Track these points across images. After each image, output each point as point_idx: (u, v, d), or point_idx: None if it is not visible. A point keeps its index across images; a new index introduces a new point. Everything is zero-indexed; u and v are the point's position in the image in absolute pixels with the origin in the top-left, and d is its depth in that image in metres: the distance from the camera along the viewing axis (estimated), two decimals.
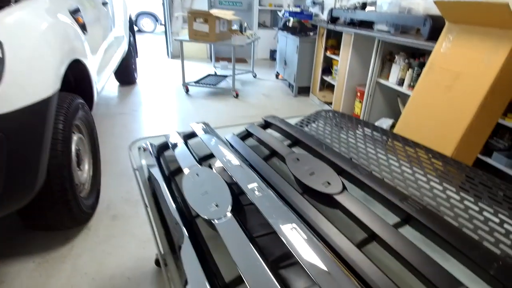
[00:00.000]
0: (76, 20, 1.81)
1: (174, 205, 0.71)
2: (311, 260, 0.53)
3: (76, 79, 1.80)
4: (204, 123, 1.16)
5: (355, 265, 0.55)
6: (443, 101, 1.59)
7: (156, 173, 0.90)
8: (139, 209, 1.78)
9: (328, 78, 3.83)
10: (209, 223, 0.63)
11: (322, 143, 0.97)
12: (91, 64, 1.89)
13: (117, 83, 4.03)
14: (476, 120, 1.43)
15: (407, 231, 0.67)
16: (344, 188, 0.76)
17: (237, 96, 3.90)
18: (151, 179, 0.93)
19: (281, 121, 1.18)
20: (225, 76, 4.29)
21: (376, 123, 2.68)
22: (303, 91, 4.21)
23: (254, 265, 0.53)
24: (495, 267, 0.55)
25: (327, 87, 3.99)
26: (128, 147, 1.08)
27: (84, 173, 1.68)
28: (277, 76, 5.00)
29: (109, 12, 2.75)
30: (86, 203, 1.58)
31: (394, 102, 2.94)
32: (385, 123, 2.71)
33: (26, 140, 1.14)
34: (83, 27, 1.89)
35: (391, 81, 2.66)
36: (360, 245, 0.64)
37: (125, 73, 3.85)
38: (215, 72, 4.62)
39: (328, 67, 3.87)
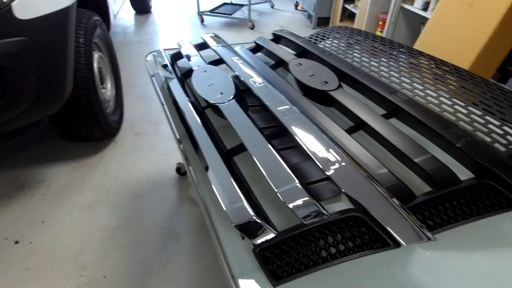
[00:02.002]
0: None
1: (187, 99, 0.81)
2: (303, 136, 0.61)
3: None
4: (215, 34, 1.20)
5: (344, 145, 0.62)
6: (463, 18, 1.53)
7: (170, 75, 0.98)
8: (160, 127, 1.92)
9: (350, 7, 3.61)
10: (216, 108, 0.73)
11: (326, 50, 1.01)
12: None
13: (133, 12, 3.98)
14: (495, 37, 1.39)
15: (394, 122, 0.74)
16: (340, 86, 0.82)
17: (253, 27, 3.79)
18: (166, 82, 1.02)
19: (290, 34, 1.20)
20: (241, 5, 4.11)
21: None
22: (323, 22, 4.01)
23: (254, 135, 0.62)
24: (470, 148, 0.61)
25: (348, 17, 3.78)
26: (144, 58, 1.16)
27: (107, 91, 1.80)
28: (296, 6, 4.73)
29: None
30: (112, 119, 1.73)
31: (417, 31, 2.79)
32: None
33: (51, 47, 1.22)
34: None
35: (416, 6, 2.51)
36: (350, 131, 0.73)
37: (140, 1, 3.77)
38: (231, 1, 4.42)
39: None
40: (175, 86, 0.85)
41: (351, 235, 0.51)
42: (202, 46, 1.14)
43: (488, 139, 0.68)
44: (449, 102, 0.78)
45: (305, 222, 0.50)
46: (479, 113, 0.74)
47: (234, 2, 4.32)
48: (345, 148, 0.63)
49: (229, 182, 0.53)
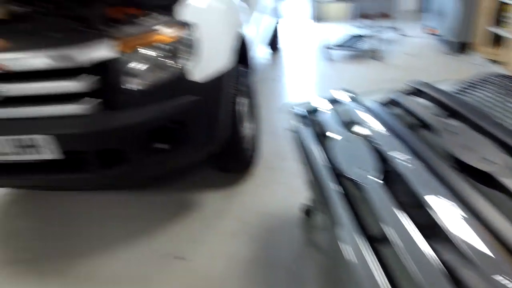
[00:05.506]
0: None
1: (324, 164, 0.85)
2: (466, 239, 0.54)
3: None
4: (346, 90, 1.25)
5: None
6: None
7: (306, 134, 1.07)
8: (288, 163, 2.07)
9: (498, 30, 3.10)
10: (357, 185, 0.73)
11: (486, 115, 0.91)
12: (251, 37, 2.21)
13: (265, 49, 4.42)
14: None
15: None
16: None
17: (379, 58, 3.69)
18: (301, 139, 1.11)
19: (431, 87, 1.11)
20: (366, 36, 4.08)
21: None
22: (462, 48, 3.57)
23: (403, 232, 0.59)
24: None
25: (497, 42, 3.25)
26: (279, 110, 1.31)
27: (246, 128, 2.08)
28: (427, 31, 4.35)
29: None
30: (250, 154, 2.00)
31: None
32: None
33: (214, 102, 1.52)
34: (246, 2, 2.18)
35: None
36: None
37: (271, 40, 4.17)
38: (356, 33, 4.42)
39: (498, 14, 3.12)
40: (312, 149, 0.93)
41: None
42: (334, 102, 1.20)
43: None
44: None
45: None
46: None
47: (358, 33, 4.30)
48: None
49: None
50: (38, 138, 1.19)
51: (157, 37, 1.26)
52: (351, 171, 0.76)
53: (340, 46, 3.91)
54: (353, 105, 1.14)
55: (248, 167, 2.02)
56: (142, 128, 1.27)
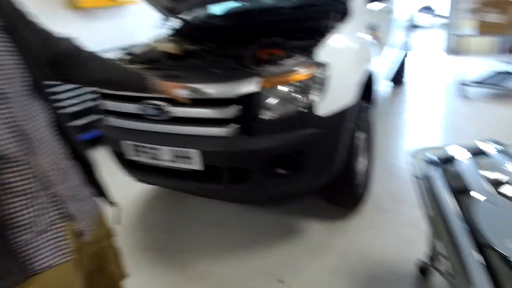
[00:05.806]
0: (373, 35, 2.13)
1: (463, 226, 0.77)
2: None
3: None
4: (494, 140, 1.12)
5: None
6: None
7: (440, 187, 0.98)
8: (403, 208, 1.93)
9: None
10: (509, 262, 0.65)
11: None
12: (377, 72, 2.19)
13: (388, 83, 4.23)
14: None
15: None
16: None
17: None
18: (431, 188, 1.03)
19: None
20: None
21: None
22: None
23: None
24: None
25: None
26: (407, 153, 1.24)
27: (360, 164, 2.03)
28: None
29: (394, 19, 2.97)
30: (360, 190, 1.94)
31: None
32: None
33: (334, 135, 1.56)
34: (377, 39, 2.19)
35: None
36: None
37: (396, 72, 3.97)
38: (503, 69, 3.79)
39: None
40: (447, 205, 0.86)
41: None
42: (476, 153, 1.08)
43: None
44: None
45: None
46: None
47: (507, 70, 3.68)
48: None
49: None
50: (191, 152, 1.46)
51: (294, 76, 1.41)
52: (501, 243, 0.68)
53: (480, 83, 3.43)
54: (503, 159, 1.01)
55: (357, 204, 1.96)
56: (269, 153, 1.43)
